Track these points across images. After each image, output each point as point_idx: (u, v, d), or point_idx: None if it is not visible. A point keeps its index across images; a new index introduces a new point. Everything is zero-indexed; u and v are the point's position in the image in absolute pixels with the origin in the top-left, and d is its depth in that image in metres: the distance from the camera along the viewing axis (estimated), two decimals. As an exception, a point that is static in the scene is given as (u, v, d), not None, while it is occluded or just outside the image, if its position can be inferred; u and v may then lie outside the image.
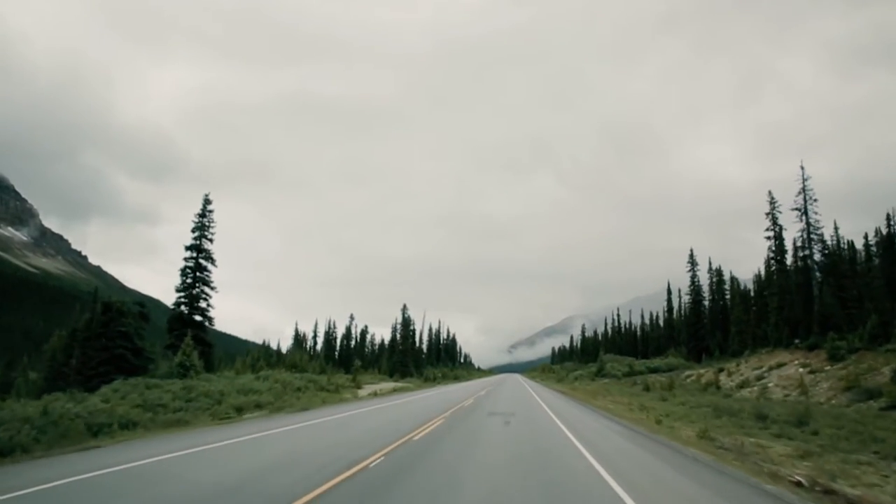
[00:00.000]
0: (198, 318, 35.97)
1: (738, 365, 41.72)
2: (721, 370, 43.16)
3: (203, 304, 36.41)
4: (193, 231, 36.63)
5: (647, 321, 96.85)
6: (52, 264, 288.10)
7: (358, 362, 48.08)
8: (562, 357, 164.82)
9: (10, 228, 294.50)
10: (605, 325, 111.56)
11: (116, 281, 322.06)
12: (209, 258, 36.78)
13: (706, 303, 61.39)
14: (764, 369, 36.42)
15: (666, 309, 74.53)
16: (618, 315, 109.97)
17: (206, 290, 36.58)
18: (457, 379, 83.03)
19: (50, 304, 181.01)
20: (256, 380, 27.83)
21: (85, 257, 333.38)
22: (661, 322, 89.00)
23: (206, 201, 37.29)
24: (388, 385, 39.55)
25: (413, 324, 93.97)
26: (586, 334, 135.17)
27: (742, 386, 35.82)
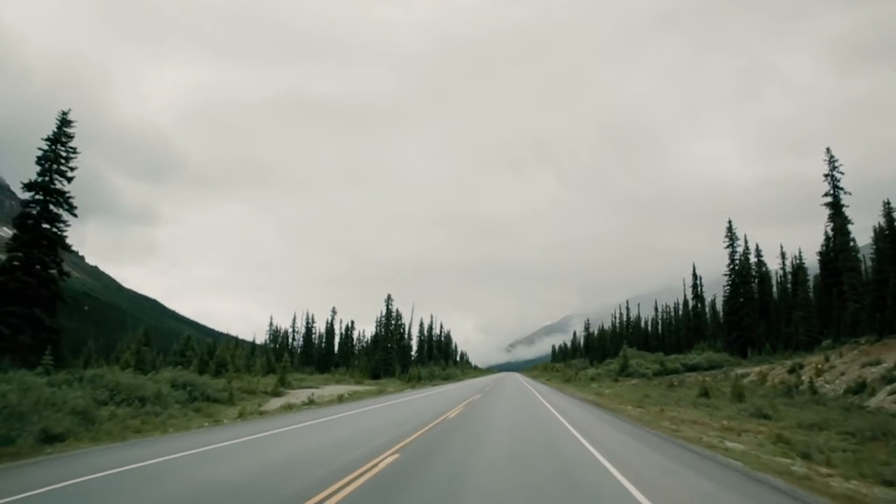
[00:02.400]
0: (43, 291, 23.26)
1: (826, 360, 29.00)
2: (799, 366, 30.44)
3: (52, 272, 23.76)
4: (40, 162, 23.98)
5: (662, 314, 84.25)
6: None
7: (287, 359, 35.13)
8: (563, 355, 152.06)
9: (4, 228, 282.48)
10: (613, 318, 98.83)
11: (113, 281, 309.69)
12: (64, 203, 24.13)
13: (742, 285, 48.50)
14: (889, 366, 23.63)
15: (691, 296, 61.76)
16: (627, 309, 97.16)
17: (58, 250, 23.93)
18: (448, 379, 70.26)
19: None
20: (57, 385, 15.15)
21: (82, 257, 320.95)
22: (678, 313, 76.51)
23: (64, 121, 24.63)
24: (338, 390, 26.80)
25: (401, 318, 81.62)
26: (589, 331, 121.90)
27: (857, 391, 23.06)
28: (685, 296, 79.77)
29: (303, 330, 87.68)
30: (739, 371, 37.77)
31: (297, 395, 22.11)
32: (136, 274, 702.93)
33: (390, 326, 73.84)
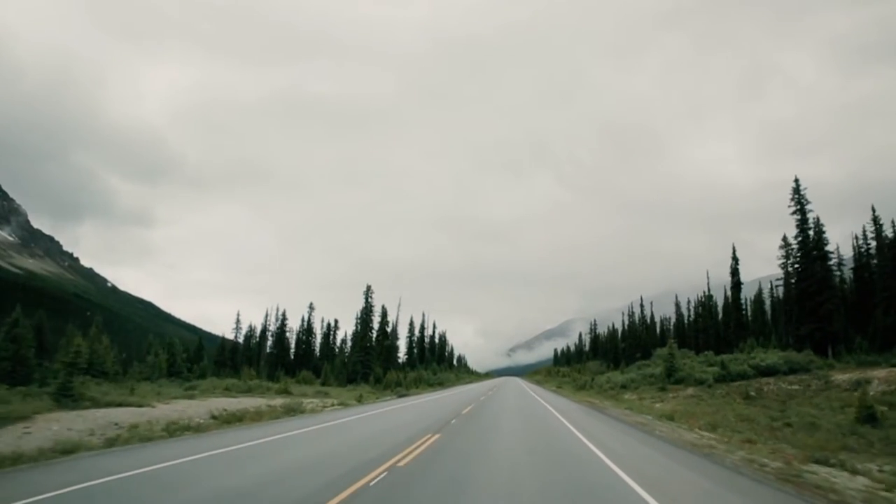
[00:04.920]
0: None
1: None
2: None
3: None
4: None
5: (690, 310, 72.12)
6: (39, 265, 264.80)
7: (78, 345, 22.24)
8: (567, 359, 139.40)
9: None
10: (626, 316, 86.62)
11: (108, 282, 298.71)
12: None
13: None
14: None
15: (730, 285, 49.28)
16: (640, 306, 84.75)
17: None
18: (437, 385, 57.96)
19: (28, 304, 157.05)
20: None
21: (77, 259, 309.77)
22: (706, 310, 64.32)
23: None
24: (191, 410, 14.40)
25: (387, 315, 69.15)
26: (595, 333, 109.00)
27: None
28: (707, 290, 67.88)
29: (274, 328, 75.32)
30: (842, 376, 25.40)
31: (44, 427, 9.81)
32: (132, 276, 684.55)
33: (370, 323, 61.43)
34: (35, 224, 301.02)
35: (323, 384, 45.27)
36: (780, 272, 49.39)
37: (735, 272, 49.11)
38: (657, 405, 22.47)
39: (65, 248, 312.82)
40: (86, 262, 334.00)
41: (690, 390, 25.74)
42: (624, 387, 30.39)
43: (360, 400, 22.33)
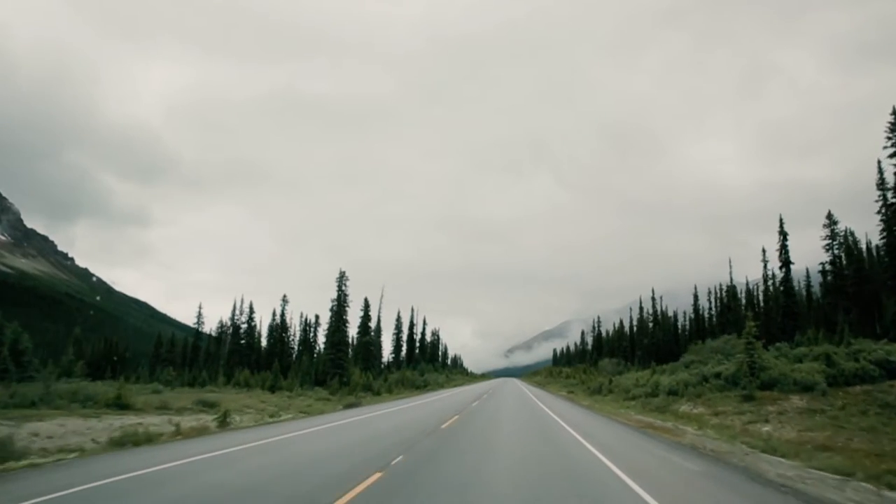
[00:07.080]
0: None
1: None
2: None
3: None
4: None
5: (706, 302, 62.06)
6: (32, 265, 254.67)
7: None
8: (567, 360, 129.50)
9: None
10: (636, 311, 76.41)
11: (103, 283, 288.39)
12: None
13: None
14: None
15: (779, 265, 39.20)
16: (652, 299, 74.71)
17: None
18: (422, 388, 47.89)
19: (17, 304, 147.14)
20: None
21: (71, 259, 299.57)
22: (736, 300, 54.43)
23: None
24: None
25: (370, 310, 59.20)
26: (598, 331, 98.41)
27: None
28: (731, 279, 58.05)
29: (243, 323, 65.20)
30: None
31: None
32: (129, 276, 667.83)
33: (344, 316, 51.26)
34: (28, 223, 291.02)
35: (272, 388, 35.22)
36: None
37: (783, 249, 39.07)
38: (765, 428, 12.31)
39: (59, 248, 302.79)
40: (81, 262, 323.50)
41: (796, 400, 15.57)
42: (674, 393, 20.28)
43: (222, 421, 12.07)
